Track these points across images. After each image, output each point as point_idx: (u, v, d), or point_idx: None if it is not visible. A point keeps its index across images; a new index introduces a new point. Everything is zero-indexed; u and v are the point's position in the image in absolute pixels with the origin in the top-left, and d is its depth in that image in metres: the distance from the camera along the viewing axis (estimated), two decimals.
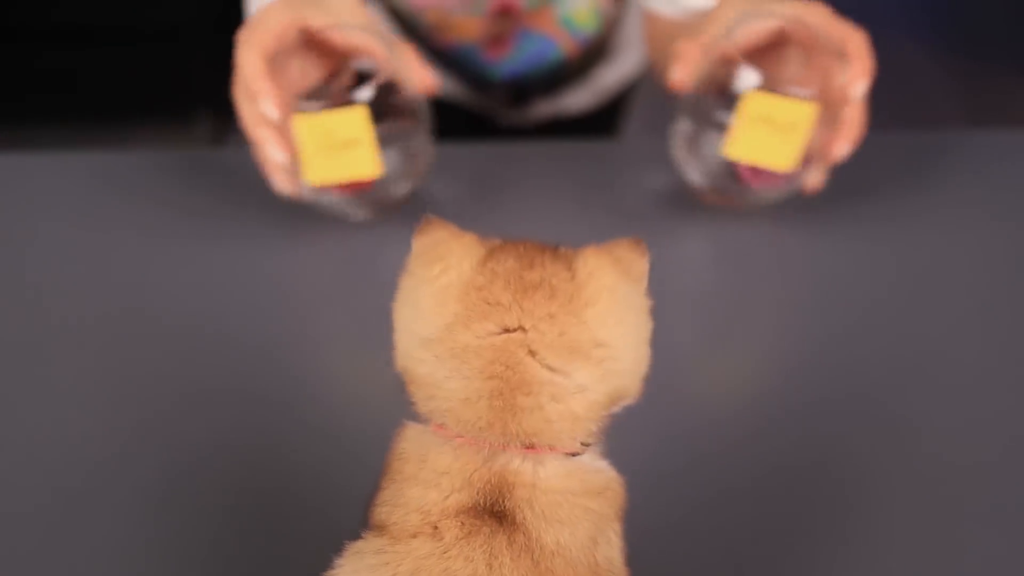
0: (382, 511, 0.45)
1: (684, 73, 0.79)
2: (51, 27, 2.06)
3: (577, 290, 0.44)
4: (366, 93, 0.74)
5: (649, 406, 0.71)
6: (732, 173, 0.81)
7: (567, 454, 0.45)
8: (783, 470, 0.70)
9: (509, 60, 1.15)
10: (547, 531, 0.43)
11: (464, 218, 0.86)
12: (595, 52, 1.20)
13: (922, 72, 2.44)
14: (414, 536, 0.43)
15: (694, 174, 0.83)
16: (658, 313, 0.48)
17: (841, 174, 0.89)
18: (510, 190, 0.90)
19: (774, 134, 0.74)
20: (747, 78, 0.74)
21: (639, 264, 0.46)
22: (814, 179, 0.80)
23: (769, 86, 0.74)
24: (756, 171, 0.80)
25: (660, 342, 0.79)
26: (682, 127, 0.82)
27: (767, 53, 0.81)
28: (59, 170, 0.94)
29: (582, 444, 0.45)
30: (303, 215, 0.86)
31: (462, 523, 0.43)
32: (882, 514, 0.67)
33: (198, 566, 0.65)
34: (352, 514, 0.48)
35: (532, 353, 0.43)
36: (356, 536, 0.46)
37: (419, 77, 0.79)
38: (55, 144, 2.19)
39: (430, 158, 0.82)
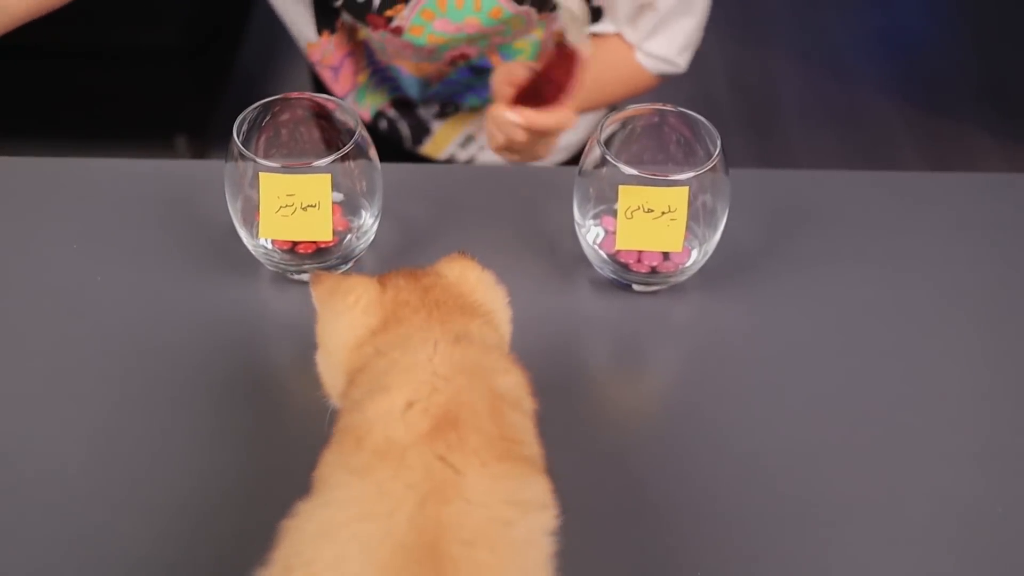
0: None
1: None
2: (29, 45, 2.08)
3: (455, 284, 0.63)
4: (330, 160, 0.77)
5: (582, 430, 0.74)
6: (620, 262, 0.84)
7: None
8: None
9: (445, 82, 1.20)
10: None
11: (413, 233, 0.89)
12: None
13: (888, 125, 2.49)
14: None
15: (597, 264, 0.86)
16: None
17: (804, 209, 0.93)
18: (457, 210, 0.93)
19: (655, 220, 0.78)
20: (623, 171, 0.78)
21: (474, 263, 0.65)
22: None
23: (644, 175, 0.78)
24: (641, 258, 0.83)
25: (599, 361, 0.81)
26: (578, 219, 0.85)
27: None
28: (24, 174, 0.96)
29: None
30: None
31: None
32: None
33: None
34: None
35: (443, 322, 0.60)
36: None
37: None
38: None
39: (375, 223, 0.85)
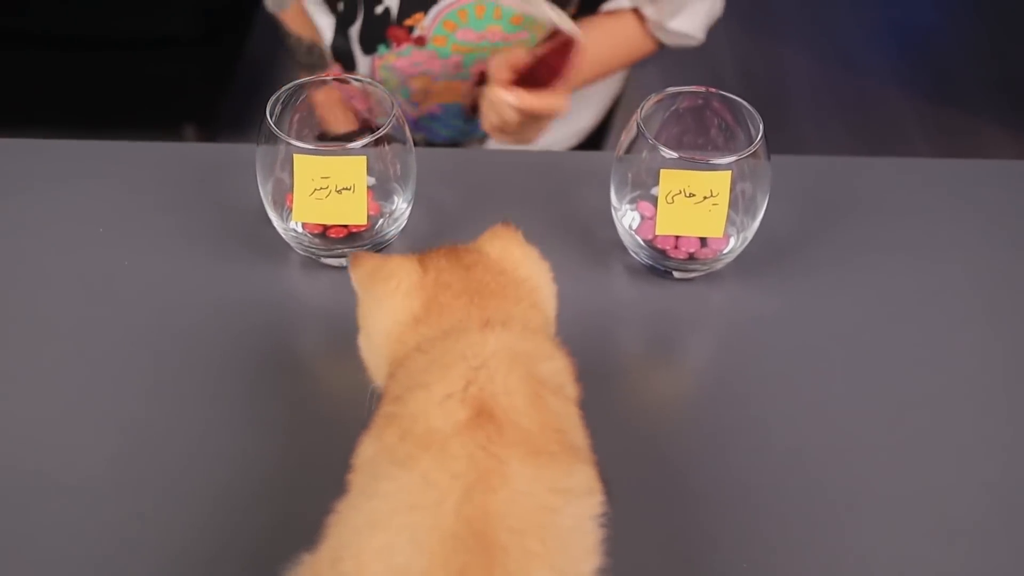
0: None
1: None
2: (39, 32, 2.06)
3: (497, 262, 0.61)
4: (364, 143, 0.76)
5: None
6: (657, 248, 0.83)
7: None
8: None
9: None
10: None
11: (445, 219, 0.88)
12: None
13: (898, 115, 2.48)
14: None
15: (635, 251, 0.85)
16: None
17: (841, 196, 0.91)
18: (490, 195, 0.92)
19: (696, 205, 0.77)
20: (664, 154, 0.77)
21: (519, 237, 0.64)
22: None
23: (686, 159, 0.76)
24: (678, 244, 0.82)
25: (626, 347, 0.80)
26: (615, 205, 0.84)
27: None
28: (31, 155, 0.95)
29: None
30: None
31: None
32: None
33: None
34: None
35: (483, 308, 0.58)
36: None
37: None
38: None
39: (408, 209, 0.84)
